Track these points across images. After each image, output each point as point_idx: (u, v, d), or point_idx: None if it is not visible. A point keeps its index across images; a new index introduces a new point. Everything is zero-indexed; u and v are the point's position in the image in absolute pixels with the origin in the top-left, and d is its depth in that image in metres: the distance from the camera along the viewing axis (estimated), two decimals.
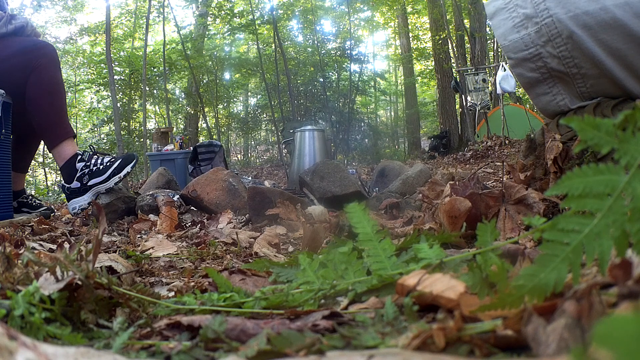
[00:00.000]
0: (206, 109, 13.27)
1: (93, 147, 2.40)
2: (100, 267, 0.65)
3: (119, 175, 2.24)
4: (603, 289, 0.47)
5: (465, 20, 11.62)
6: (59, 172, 2.25)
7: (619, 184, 0.42)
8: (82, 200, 2.25)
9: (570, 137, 1.12)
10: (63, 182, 2.32)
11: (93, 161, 2.25)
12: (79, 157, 2.25)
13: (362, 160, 12.23)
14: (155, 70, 11.79)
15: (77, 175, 2.24)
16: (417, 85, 16.81)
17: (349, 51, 13.45)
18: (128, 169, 2.27)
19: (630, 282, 0.45)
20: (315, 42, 13.58)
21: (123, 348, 0.50)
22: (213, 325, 0.50)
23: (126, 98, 11.89)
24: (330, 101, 12.98)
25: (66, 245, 1.22)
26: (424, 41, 15.72)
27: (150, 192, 2.44)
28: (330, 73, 13.91)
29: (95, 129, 12.89)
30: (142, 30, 11.03)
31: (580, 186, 0.43)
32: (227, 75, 14.77)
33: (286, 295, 0.63)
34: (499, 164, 4.25)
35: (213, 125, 13.39)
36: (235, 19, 11.98)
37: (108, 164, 2.26)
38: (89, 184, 2.23)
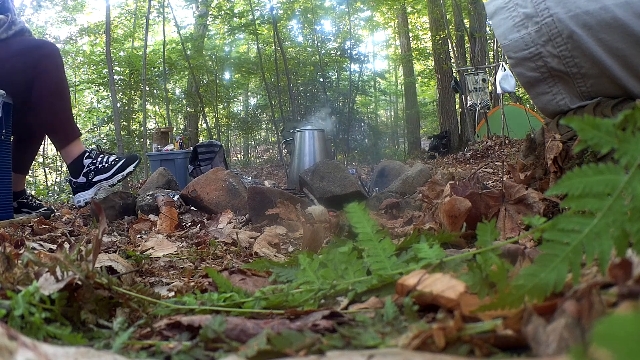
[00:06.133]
0: (206, 109, 13.26)
1: (99, 147, 2.58)
2: (100, 267, 0.65)
3: (122, 174, 2.39)
4: (603, 288, 0.47)
5: (465, 20, 11.62)
6: (67, 168, 2.47)
7: (619, 183, 0.42)
8: (87, 195, 2.39)
9: (570, 136, 1.12)
10: (70, 176, 2.45)
11: (99, 159, 2.39)
12: (87, 154, 2.40)
13: (362, 160, 12.23)
14: (155, 70, 11.77)
15: (84, 171, 2.38)
16: (417, 85, 16.80)
17: (349, 51, 13.44)
18: (131, 168, 2.43)
19: (630, 281, 0.45)
20: (315, 42, 13.57)
21: (123, 348, 0.50)
22: (213, 325, 0.50)
23: (126, 98, 11.88)
24: (330, 101, 12.98)
25: (66, 245, 1.22)
26: (424, 41, 15.71)
27: (150, 192, 2.44)
28: (330, 73, 13.90)
29: (95, 129, 12.88)
30: (142, 30, 11.01)
31: (580, 186, 0.43)
32: (227, 75, 14.76)
33: (286, 295, 0.63)
34: (499, 164, 4.25)
35: (213, 125, 13.37)
36: (235, 19, 11.96)
37: (113, 163, 2.40)
38: (94, 179, 2.37)
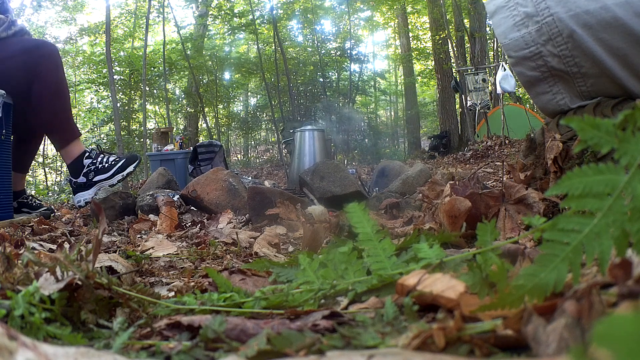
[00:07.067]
0: (206, 109, 13.25)
1: (99, 147, 2.57)
2: (100, 267, 0.65)
3: (122, 174, 2.39)
4: (603, 288, 0.47)
5: (465, 20, 11.62)
6: (67, 168, 2.48)
7: (619, 183, 0.42)
8: (87, 195, 2.39)
9: (570, 136, 1.12)
10: (70, 176, 2.45)
11: (99, 159, 2.39)
12: (87, 154, 2.39)
13: (362, 160, 12.22)
14: (155, 70, 11.77)
15: (84, 171, 2.38)
16: (417, 85, 16.80)
17: (349, 51, 13.44)
18: (131, 168, 2.42)
19: (630, 281, 0.45)
20: (315, 42, 13.57)
21: (123, 348, 0.50)
22: (213, 325, 0.50)
23: (126, 98, 11.88)
24: (330, 101, 12.98)
25: (66, 245, 1.22)
26: (424, 41, 15.71)
27: (150, 192, 2.44)
28: (330, 73, 13.90)
29: (95, 129, 12.88)
30: (142, 30, 11.00)
31: (580, 186, 0.43)
32: (227, 75, 14.76)
33: (286, 295, 0.63)
34: (499, 163, 4.25)
35: (213, 125, 13.37)
36: (235, 19, 11.96)
37: (113, 163, 2.40)
38: (94, 179, 2.37)
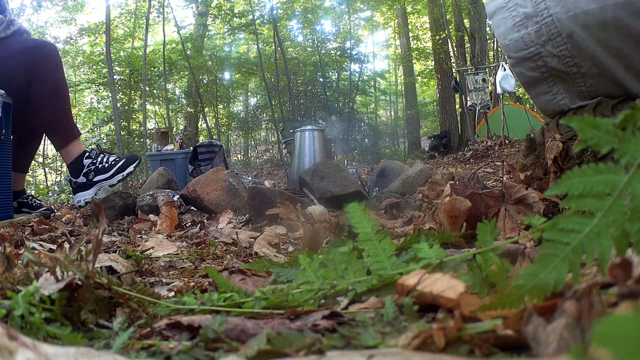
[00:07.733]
0: (206, 109, 13.25)
1: (99, 147, 2.58)
2: (100, 267, 0.65)
3: (122, 174, 2.39)
4: (603, 288, 0.47)
5: (465, 20, 11.62)
6: (67, 168, 2.49)
7: (619, 183, 0.42)
8: (87, 195, 2.39)
9: (570, 136, 1.12)
10: (70, 176, 2.46)
11: (99, 159, 2.40)
12: (87, 154, 2.40)
13: (362, 160, 12.23)
14: (155, 70, 11.77)
15: (84, 171, 2.38)
16: (417, 85, 16.81)
17: (349, 51, 13.44)
18: (131, 168, 2.42)
19: (630, 281, 0.45)
20: (315, 42, 13.57)
21: (123, 348, 0.50)
22: (213, 325, 0.50)
23: (126, 98, 11.87)
24: (330, 101, 12.98)
25: (66, 245, 1.22)
26: (424, 41, 15.72)
27: (150, 192, 2.44)
28: (330, 73, 13.91)
29: (95, 129, 12.87)
30: (142, 30, 10.99)
31: (580, 186, 0.43)
32: (227, 75, 14.76)
33: (286, 295, 0.63)
34: (499, 163, 4.25)
35: (213, 125, 13.37)
36: (235, 19, 11.97)
37: (113, 163, 2.40)
38: (94, 179, 2.37)
